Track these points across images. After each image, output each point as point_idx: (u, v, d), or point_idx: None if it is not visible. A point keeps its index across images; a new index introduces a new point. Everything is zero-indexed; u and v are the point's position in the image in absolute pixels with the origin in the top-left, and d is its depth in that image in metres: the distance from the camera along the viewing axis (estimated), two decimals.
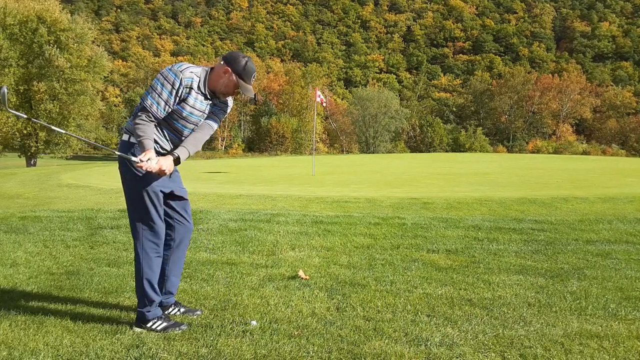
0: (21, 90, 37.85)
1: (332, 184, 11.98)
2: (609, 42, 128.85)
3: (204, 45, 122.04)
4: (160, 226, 3.13)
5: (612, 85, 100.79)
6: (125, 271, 4.30)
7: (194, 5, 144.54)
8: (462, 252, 5.07)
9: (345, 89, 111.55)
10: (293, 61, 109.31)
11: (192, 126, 3.15)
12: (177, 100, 3.03)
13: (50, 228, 6.01)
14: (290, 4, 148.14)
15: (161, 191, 3.11)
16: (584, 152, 63.48)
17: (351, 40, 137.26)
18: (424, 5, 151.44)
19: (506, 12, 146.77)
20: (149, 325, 3.02)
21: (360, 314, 3.31)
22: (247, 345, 2.80)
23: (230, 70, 3.05)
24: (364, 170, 19.28)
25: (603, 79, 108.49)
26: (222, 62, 3.08)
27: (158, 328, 3.01)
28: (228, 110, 3.32)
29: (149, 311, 3.05)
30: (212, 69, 3.14)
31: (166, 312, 3.23)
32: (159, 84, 2.98)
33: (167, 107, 3.01)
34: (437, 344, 2.85)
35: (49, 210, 7.14)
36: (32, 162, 40.00)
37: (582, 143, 72.76)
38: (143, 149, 2.94)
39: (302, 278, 4.10)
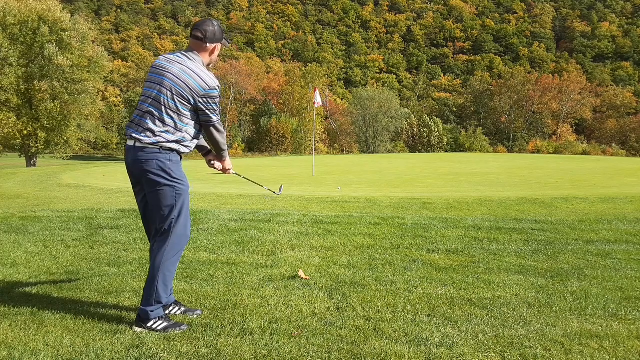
0: (22, 90, 37.87)
1: (332, 183, 11.98)
2: (609, 42, 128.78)
3: None
4: (189, 228, 3.27)
5: (612, 85, 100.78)
6: (125, 271, 4.30)
7: (194, 5, 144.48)
8: (462, 252, 5.07)
9: (345, 89, 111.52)
10: (293, 61, 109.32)
11: None
12: None
13: (50, 228, 6.01)
14: (290, 4, 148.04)
15: None
16: (584, 152, 63.45)
17: (351, 40, 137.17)
18: (424, 6, 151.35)
19: (506, 12, 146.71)
20: (149, 324, 3.02)
21: (360, 314, 3.31)
22: (247, 345, 2.80)
23: (220, 44, 3.29)
24: (364, 170, 19.27)
25: (603, 79, 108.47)
26: (206, 45, 3.21)
27: (159, 328, 3.01)
28: None
29: (153, 310, 3.05)
30: (197, 52, 3.22)
31: (166, 312, 3.23)
32: (217, 103, 3.25)
33: None
34: (437, 344, 2.85)
35: (49, 210, 7.13)
36: (32, 162, 39.98)
37: (583, 143, 72.74)
38: (227, 156, 3.54)
39: (302, 278, 4.10)
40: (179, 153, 3.18)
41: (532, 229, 6.11)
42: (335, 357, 2.68)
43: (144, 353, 2.68)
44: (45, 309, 3.31)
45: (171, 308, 3.30)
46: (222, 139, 3.37)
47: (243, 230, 5.91)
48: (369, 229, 6.00)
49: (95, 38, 41.75)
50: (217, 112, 3.25)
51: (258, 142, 79.45)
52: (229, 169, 3.62)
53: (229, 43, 3.45)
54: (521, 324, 3.18)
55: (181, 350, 2.73)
